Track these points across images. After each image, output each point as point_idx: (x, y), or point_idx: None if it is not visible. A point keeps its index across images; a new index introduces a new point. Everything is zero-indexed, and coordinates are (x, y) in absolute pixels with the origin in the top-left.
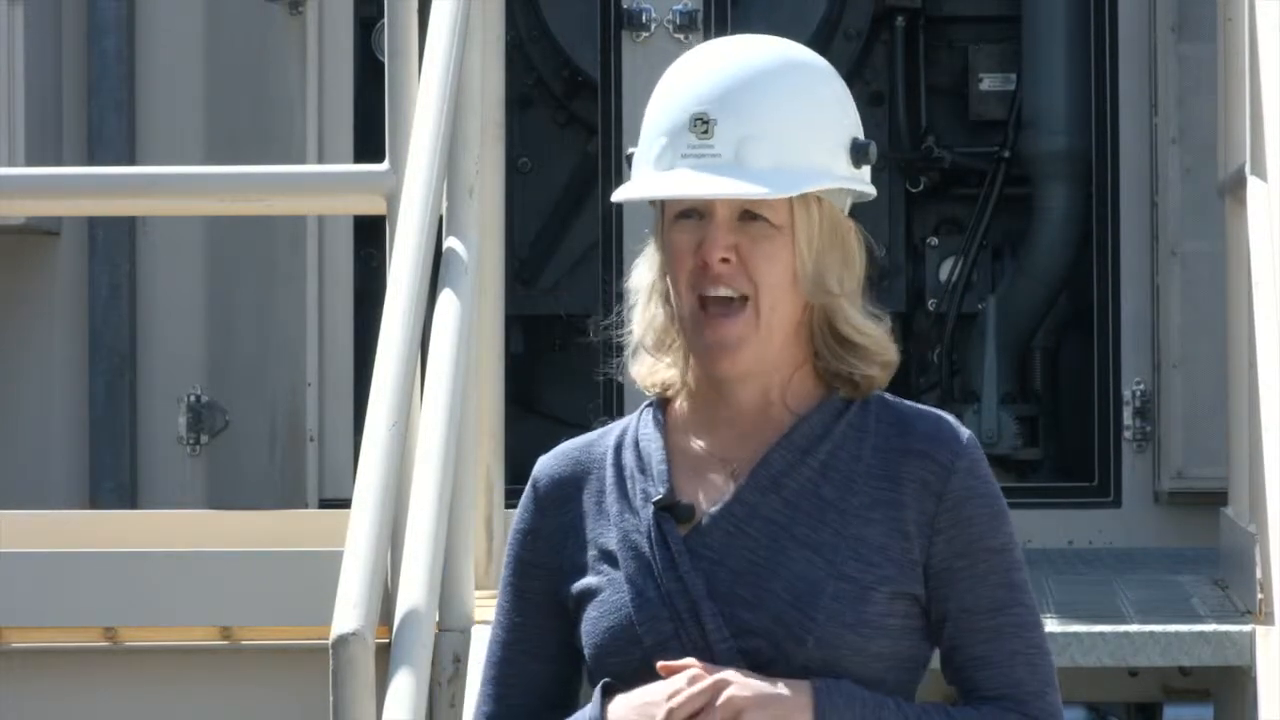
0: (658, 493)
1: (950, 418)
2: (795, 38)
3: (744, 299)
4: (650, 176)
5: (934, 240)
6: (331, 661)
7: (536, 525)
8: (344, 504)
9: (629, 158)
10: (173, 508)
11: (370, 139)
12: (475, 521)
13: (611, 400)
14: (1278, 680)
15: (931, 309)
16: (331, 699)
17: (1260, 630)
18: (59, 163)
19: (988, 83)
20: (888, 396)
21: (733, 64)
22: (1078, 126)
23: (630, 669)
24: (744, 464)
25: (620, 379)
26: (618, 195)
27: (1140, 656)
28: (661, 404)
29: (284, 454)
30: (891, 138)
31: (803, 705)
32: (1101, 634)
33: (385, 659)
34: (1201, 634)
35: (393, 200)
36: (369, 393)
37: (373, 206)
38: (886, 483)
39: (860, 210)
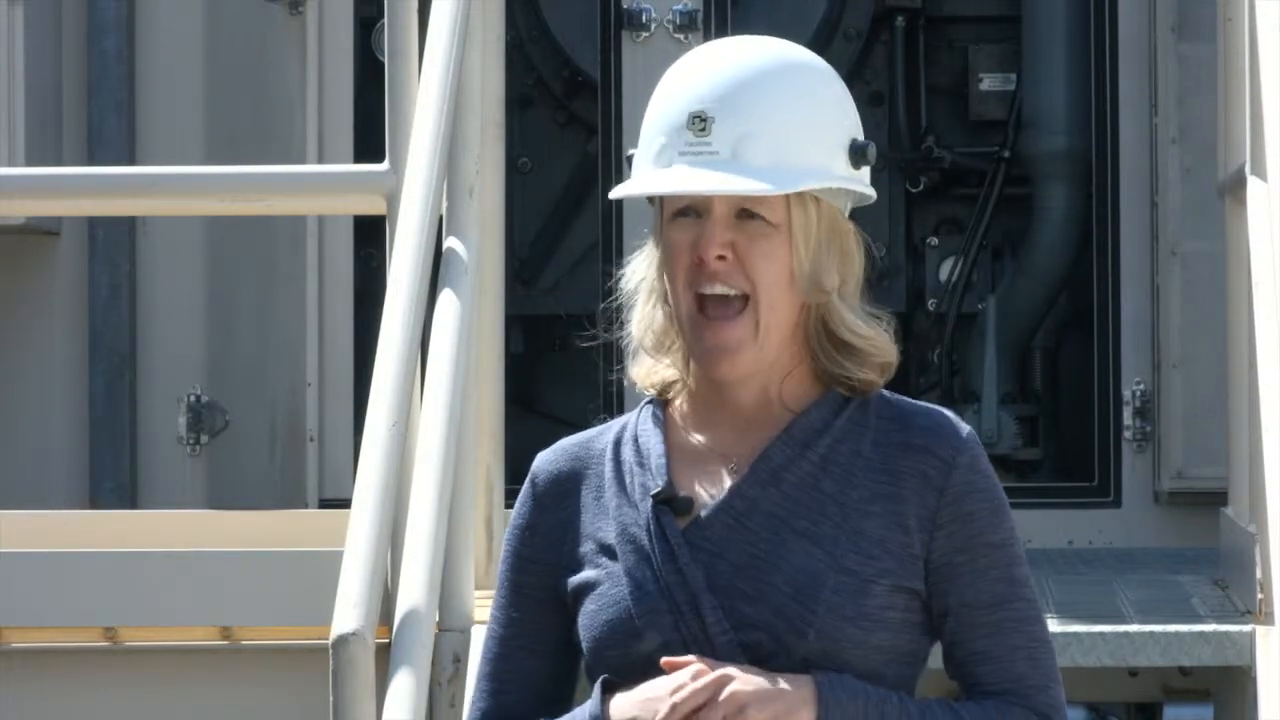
0: (656, 486)
1: (950, 413)
2: (795, 38)
3: (742, 299)
4: (648, 174)
5: (934, 240)
6: (331, 661)
7: (535, 520)
8: (344, 504)
9: (629, 159)
10: (173, 508)
11: (370, 139)
12: (475, 521)
13: (611, 400)
14: (1278, 680)
15: (931, 309)
16: (331, 699)
17: (1260, 630)
18: (59, 163)
19: (988, 83)
20: (887, 393)
21: (732, 64)
22: (1078, 126)
23: (628, 663)
24: (743, 459)
25: (625, 381)
26: (615, 192)
27: (1140, 656)
28: (661, 402)
29: (284, 454)
30: (891, 138)
31: (806, 699)
32: (1101, 634)
33: (385, 659)
34: (1201, 634)
35: (393, 200)
36: (369, 393)
37: (373, 206)
38: (886, 477)
39: (860, 210)
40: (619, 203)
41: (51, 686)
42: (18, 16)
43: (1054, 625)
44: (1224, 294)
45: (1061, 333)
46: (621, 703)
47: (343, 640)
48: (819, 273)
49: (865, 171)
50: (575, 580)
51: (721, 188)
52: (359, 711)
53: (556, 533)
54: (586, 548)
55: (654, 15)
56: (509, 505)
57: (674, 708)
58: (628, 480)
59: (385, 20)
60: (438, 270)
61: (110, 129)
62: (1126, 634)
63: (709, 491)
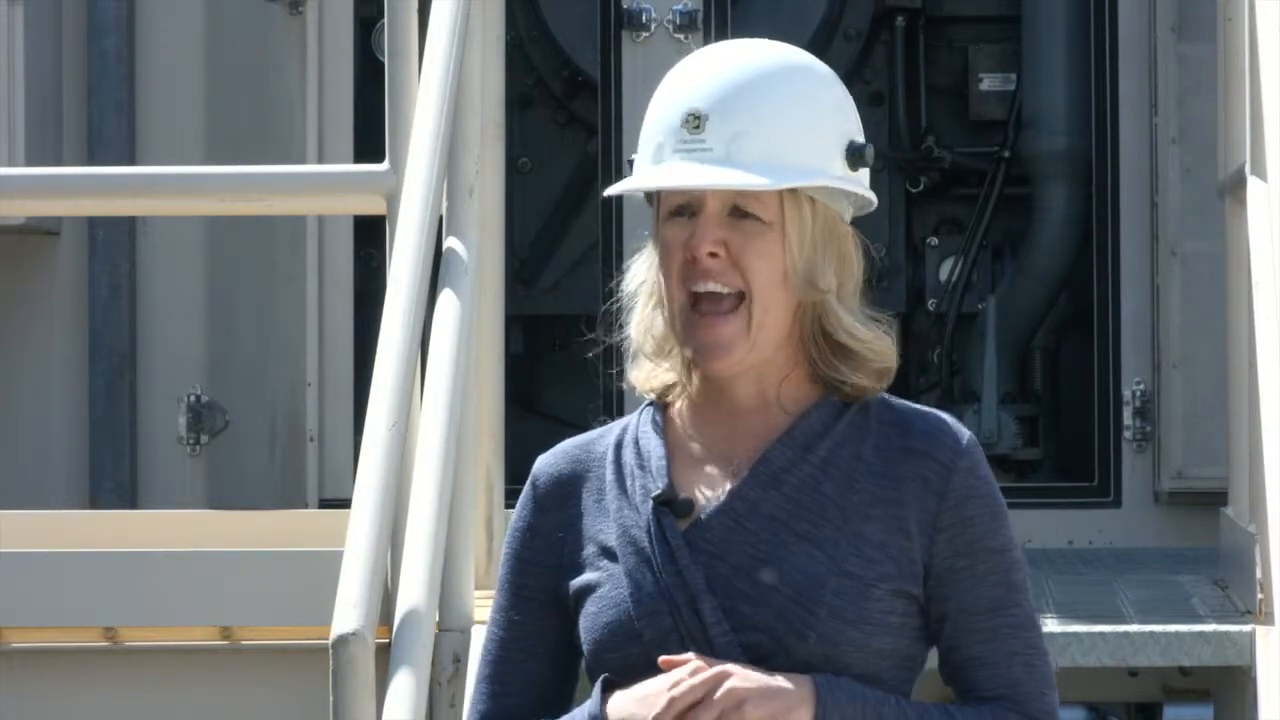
0: (657, 488)
1: (951, 418)
2: (795, 38)
3: (736, 297)
4: (642, 171)
5: (934, 240)
6: (331, 661)
7: (536, 522)
8: (344, 504)
9: (630, 164)
10: (173, 508)
11: (370, 139)
12: (475, 521)
13: (611, 400)
14: (1278, 680)
15: (931, 309)
16: (331, 699)
17: (1260, 630)
18: (59, 163)
19: (988, 83)
20: (888, 396)
21: (728, 66)
22: (1078, 126)
23: (629, 664)
24: (744, 461)
25: (625, 385)
26: (610, 190)
27: (1140, 656)
28: (661, 405)
29: (284, 454)
30: (891, 138)
31: (805, 698)
32: (1101, 634)
33: (385, 659)
34: (1201, 634)
35: (393, 200)
36: (369, 393)
37: (373, 206)
38: (887, 481)
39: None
40: (619, 203)
41: (51, 686)
42: (18, 16)
43: (1054, 625)
44: (1224, 294)
45: (1061, 333)
46: (620, 701)
47: (343, 640)
48: (813, 273)
49: (864, 174)
50: (576, 582)
51: (713, 181)
52: (359, 711)
53: (557, 535)
54: (587, 550)
55: (654, 15)
56: (509, 506)
57: (671, 702)
58: (628, 482)
59: (385, 20)
60: (438, 270)
61: (110, 129)
62: (1126, 634)
63: (709, 493)
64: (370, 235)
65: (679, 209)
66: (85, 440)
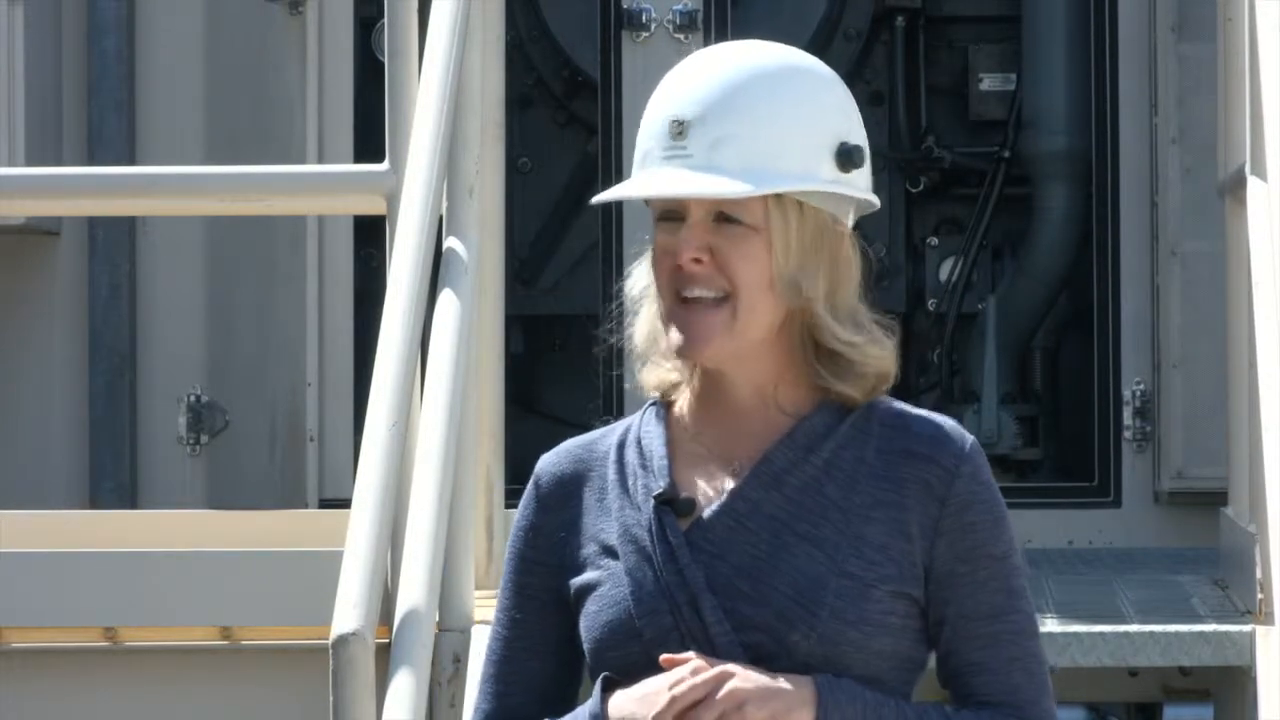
0: (659, 487)
1: (954, 422)
2: (795, 38)
3: (724, 298)
4: (630, 177)
5: (934, 240)
6: (331, 661)
7: (538, 522)
8: (344, 504)
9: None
10: (173, 508)
11: (370, 139)
12: (475, 521)
13: (612, 400)
14: (1278, 680)
15: (931, 309)
16: (331, 699)
17: (1260, 630)
18: (59, 163)
19: (988, 83)
20: (891, 399)
21: (714, 71)
22: (1078, 126)
23: (629, 662)
24: (746, 462)
25: (627, 384)
26: (595, 199)
27: (1140, 656)
28: (664, 404)
29: (284, 454)
30: (891, 138)
31: (805, 700)
32: (1101, 634)
33: (385, 659)
34: (1201, 634)
35: (393, 200)
36: (369, 393)
37: (373, 206)
38: (889, 484)
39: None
40: (619, 204)
41: (51, 686)
42: (18, 16)
43: (1054, 625)
44: (1224, 294)
45: (1061, 333)
46: (621, 700)
47: (343, 640)
48: (802, 278)
49: (857, 175)
50: (577, 581)
51: (691, 189)
52: (359, 711)
53: (559, 534)
54: (589, 549)
55: (654, 15)
56: (509, 506)
57: (672, 700)
58: (630, 482)
59: (385, 20)
60: (438, 270)
61: (110, 129)
62: (1126, 634)
63: (711, 493)
64: (370, 235)
65: (667, 214)
66: (85, 440)
